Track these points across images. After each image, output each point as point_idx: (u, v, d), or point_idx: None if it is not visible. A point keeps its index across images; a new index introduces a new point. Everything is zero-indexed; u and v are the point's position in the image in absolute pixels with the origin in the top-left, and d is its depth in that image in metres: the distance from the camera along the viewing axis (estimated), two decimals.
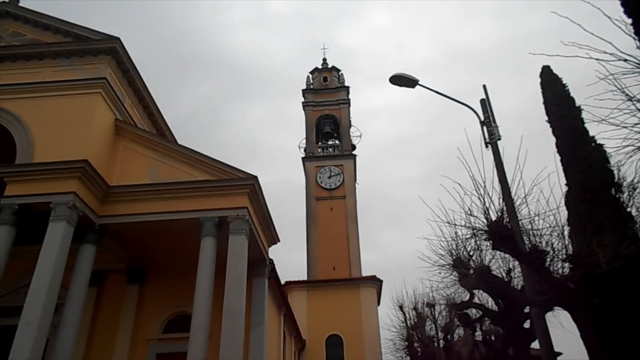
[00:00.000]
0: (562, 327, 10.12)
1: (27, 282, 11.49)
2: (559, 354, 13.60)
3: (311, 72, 39.74)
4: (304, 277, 30.89)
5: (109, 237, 13.82)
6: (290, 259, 68.93)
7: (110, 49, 14.63)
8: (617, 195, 9.71)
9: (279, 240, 17.08)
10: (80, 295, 12.52)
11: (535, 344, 10.39)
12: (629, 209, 9.36)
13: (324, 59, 40.84)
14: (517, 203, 8.00)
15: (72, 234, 12.18)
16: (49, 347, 11.99)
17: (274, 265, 16.76)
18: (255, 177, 13.76)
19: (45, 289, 11.08)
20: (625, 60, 4.71)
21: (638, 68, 4.73)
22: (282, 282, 22.06)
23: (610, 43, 4.56)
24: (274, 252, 18.97)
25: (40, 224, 11.91)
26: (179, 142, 16.69)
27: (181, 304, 14.86)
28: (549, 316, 9.44)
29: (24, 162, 12.80)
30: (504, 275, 11.29)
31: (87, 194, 12.74)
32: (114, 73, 14.89)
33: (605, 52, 4.61)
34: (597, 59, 4.65)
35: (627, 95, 4.92)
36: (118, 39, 14.64)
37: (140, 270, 15.88)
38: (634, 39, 4.76)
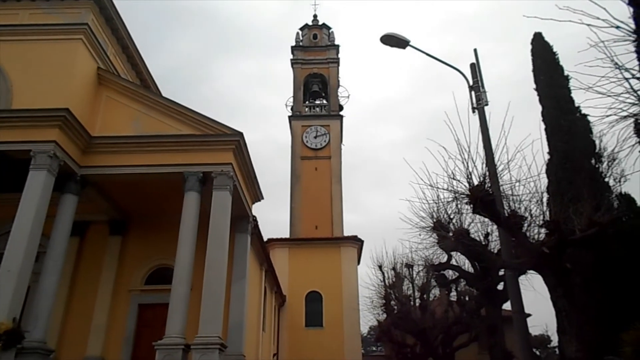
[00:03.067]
0: (533, 289, 10.51)
1: (7, 230, 11.40)
2: (529, 314, 14.18)
3: (301, 29, 38.75)
4: (287, 235, 31.26)
5: (90, 188, 13.69)
6: (272, 218, 69.49)
7: None
8: (597, 165, 9.92)
9: (262, 198, 17.14)
10: (61, 244, 12.51)
11: (507, 305, 10.81)
12: (606, 179, 9.60)
13: (315, 15, 39.76)
14: (500, 169, 8.13)
15: (53, 184, 12.03)
16: (30, 294, 12.05)
17: (257, 222, 16.88)
18: (241, 134, 13.63)
19: (26, 236, 11.04)
20: (618, 27, 4.69)
21: (629, 36, 4.72)
22: (265, 239, 22.30)
23: (604, 9, 4.52)
24: (257, 210, 19.09)
25: (23, 172, 11.72)
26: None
27: (163, 256, 14.97)
28: (521, 279, 9.77)
29: (2, 108, 12.42)
30: (482, 238, 11.59)
31: (68, 143, 12.49)
32: (96, 19, 14.29)
33: (599, 19, 4.57)
34: (589, 25, 4.61)
35: (615, 63, 4.93)
36: None
37: (123, 222, 15.87)
38: (628, 5, 4.72)
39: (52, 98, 12.41)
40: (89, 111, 13.62)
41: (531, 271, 9.21)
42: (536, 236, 8.16)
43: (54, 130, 12.05)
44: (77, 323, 14.53)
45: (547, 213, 8.06)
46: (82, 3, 13.98)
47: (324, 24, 38.86)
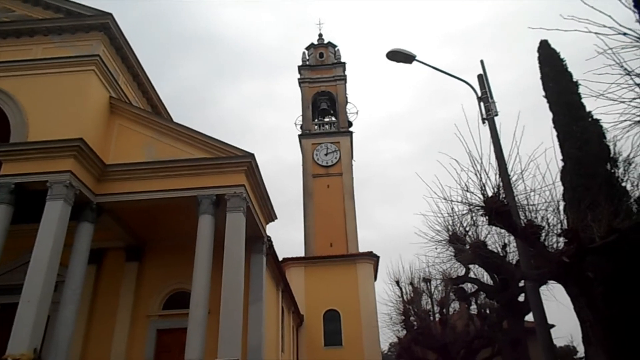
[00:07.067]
0: (555, 300, 10.32)
1: (26, 260, 11.54)
2: (552, 326, 13.87)
3: (307, 48, 39.21)
4: (302, 254, 31.14)
5: (106, 216, 13.83)
6: (285, 237, 69.37)
7: (102, 25, 14.35)
8: (612, 171, 9.78)
9: (276, 218, 17.15)
10: (79, 273, 12.61)
11: (529, 317, 10.60)
12: (623, 184, 9.45)
13: (320, 35, 40.25)
14: (514, 179, 8.06)
15: (70, 213, 12.19)
16: (50, 323, 12.11)
17: (271, 242, 16.86)
18: (252, 155, 13.73)
19: (45, 267, 11.15)
20: (625, 34, 4.67)
21: (637, 42, 4.70)
22: (280, 258, 22.24)
23: (609, 16, 4.52)
24: (271, 230, 19.07)
25: (39, 202, 11.90)
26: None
27: (180, 280, 14.99)
28: (543, 290, 9.60)
29: (18, 140, 12.70)
30: (500, 250, 11.46)
31: (83, 172, 12.69)
32: (106, 50, 14.64)
33: (605, 26, 4.57)
34: (596, 33, 4.61)
35: (625, 69, 4.90)
36: (110, 14, 14.33)
37: (139, 248, 15.97)
38: (634, 12, 4.71)
39: (66, 128, 12.66)
40: (103, 140, 13.86)
41: (552, 281, 9.04)
42: (555, 245, 8.04)
43: (69, 160, 12.26)
44: (97, 351, 14.54)
45: (565, 221, 7.94)
46: (93, 35, 14.35)
47: (329, 42, 39.28)
